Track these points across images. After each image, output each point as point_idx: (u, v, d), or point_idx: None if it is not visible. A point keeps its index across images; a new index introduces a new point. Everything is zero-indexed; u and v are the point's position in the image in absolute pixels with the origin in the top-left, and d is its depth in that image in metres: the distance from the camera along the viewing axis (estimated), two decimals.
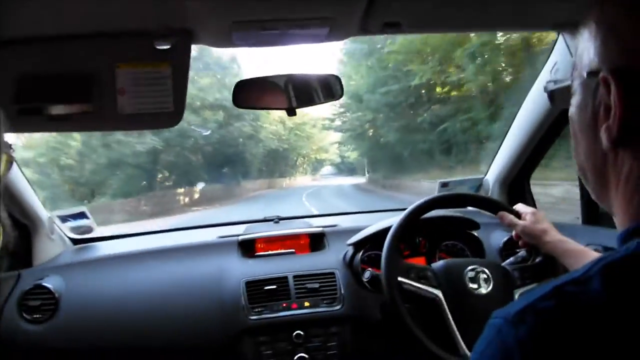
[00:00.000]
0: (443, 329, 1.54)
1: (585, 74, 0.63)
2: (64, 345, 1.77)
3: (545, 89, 0.86)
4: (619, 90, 0.57)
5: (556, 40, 1.75)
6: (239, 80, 1.60)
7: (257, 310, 1.77)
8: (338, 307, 1.79)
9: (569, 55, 1.66)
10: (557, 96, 0.83)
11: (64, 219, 2.24)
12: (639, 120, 0.56)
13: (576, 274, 0.55)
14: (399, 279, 1.59)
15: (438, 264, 1.67)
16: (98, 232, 2.40)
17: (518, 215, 1.61)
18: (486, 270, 1.62)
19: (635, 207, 0.60)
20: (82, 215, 2.30)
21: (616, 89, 0.57)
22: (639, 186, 0.59)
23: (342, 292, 1.82)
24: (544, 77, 1.86)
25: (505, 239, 2.01)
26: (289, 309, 1.78)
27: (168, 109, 1.39)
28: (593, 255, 1.36)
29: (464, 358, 1.48)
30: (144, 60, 1.37)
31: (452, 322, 1.53)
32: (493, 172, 2.38)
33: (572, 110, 0.68)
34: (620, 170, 0.60)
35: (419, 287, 1.59)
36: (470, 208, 2.13)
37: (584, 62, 0.64)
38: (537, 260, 1.66)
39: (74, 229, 2.29)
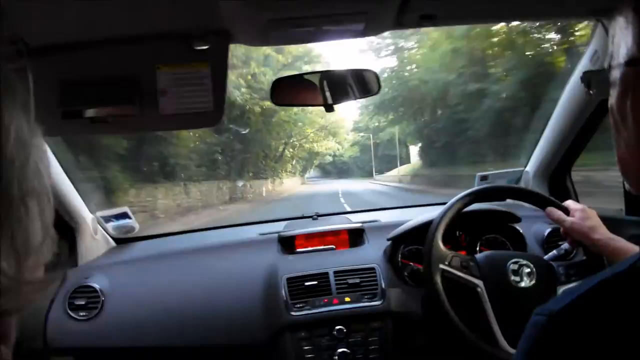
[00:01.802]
0: (483, 320, 1.53)
1: (624, 63, 0.62)
2: (109, 343, 1.82)
3: (582, 78, 0.84)
4: None
5: (595, 28, 1.71)
6: (276, 78, 1.63)
7: (298, 306, 1.78)
8: (379, 302, 1.79)
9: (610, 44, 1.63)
10: (595, 86, 0.81)
11: (107, 219, 2.30)
12: None
13: (620, 269, 0.54)
14: (441, 266, 1.58)
15: (481, 255, 1.66)
16: (140, 231, 2.45)
17: (567, 211, 1.58)
18: (530, 264, 1.60)
19: None
20: (124, 215, 2.35)
21: None
22: None
23: (383, 287, 1.82)
24: (584, 66, 1.82)
25: (548, 231, 1.98)
26: (330, 304, 1.78)
27: (208, 108, 1.41)
28: None
29: (502, 350, 1.47)
30: (183, 61, 1.39)
31: (492, 314, 1.52)
32: (533, 164, 2.34)
33: (612, 100, 0.66)
34: None
35: (461, 276, 1.59)
36: (509, 201, 2.10)
37: (622, 51, 0.62)
38: (583, 257, 1.64)
39: (117, 229, 2.34)
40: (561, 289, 1.58)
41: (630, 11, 0.60)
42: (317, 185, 51.22)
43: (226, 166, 22.60)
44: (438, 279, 1.57)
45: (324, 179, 79.71)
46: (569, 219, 1.54)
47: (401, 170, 49.70)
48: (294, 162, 43.64)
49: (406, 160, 60.92)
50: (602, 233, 1.46)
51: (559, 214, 1.57)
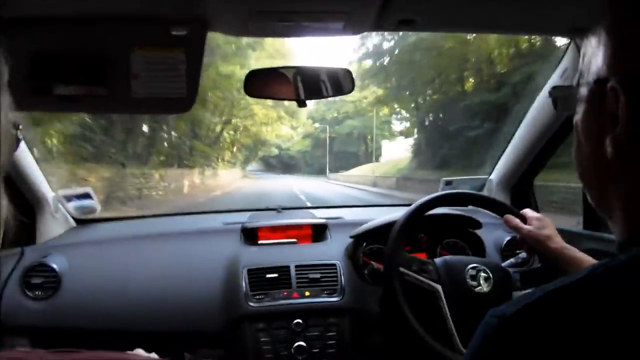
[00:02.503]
0: (440, 324, 1.55)
1: (592, 82, 0.63)
2: (64, 324, 1.79)
3: (550, 94, 0.86)
4: (628, 100, 0.57)
5: (568, 45, 1.75)
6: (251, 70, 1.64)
7: (257, 297, 1.79)
8: (338, 299, 1.81)
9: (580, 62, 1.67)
10: (561, 102, 0.82)
11: (69, 198, 2.26)
12: None
13: (573, 279, 0.56)
14: (401, 269, 1.61)
15: (440, 259, 1.69)
16: (101, 213, 2.42)
17: (524, 219, 1.62)
18: (487, 270, 1.64)
19: (636, 217, 0.60)
20: (86, 195, 2.32)
21: (625, 99, 0.57)
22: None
23: (343, 283, 1.84)
24: (554, 81, 1.87)
25: (507, 239, 2.03)
26: (289, 297, 1.79)
27: (181, 94, 1.40)
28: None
29: (458, 353, 1.50)
30: (159, 46, 1.38)
31: (450, 317, 1.55)
32: (497, 173, 2.38)
33: (578, 117, 0.68)
34: (623, 180, 0.60)
35: (419, 279, 1.61)
36: (472, 207, 2.14)
37: (592, 69, 0.64)
38: (538, 265, 1.68)
39: (78, 209, 2.30)
40: (516, 295, 1.61)
41: (602, 32, 0.62)
42: (262, 180, 46.71)
43: (118, 146, 16.02)
44: (397, 282, 1.59)
45: (268, 173, 73.89)
46: (525, 227, 1.57)
47: (363, 169, 46.12)
48: (234, 149, 36.79)
49: (366, 159, 56.97)
50: (557, 242, 1.49)
51: (516, 221, 1.60)
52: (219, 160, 32.15)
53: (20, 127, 0.73)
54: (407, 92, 31.89)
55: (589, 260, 1.39)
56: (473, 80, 25.55)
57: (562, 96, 0.81)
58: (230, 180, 34.96)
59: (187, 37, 1.37)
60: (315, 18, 1.33)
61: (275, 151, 60.45)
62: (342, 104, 63.35)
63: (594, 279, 0.55)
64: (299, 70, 1.62)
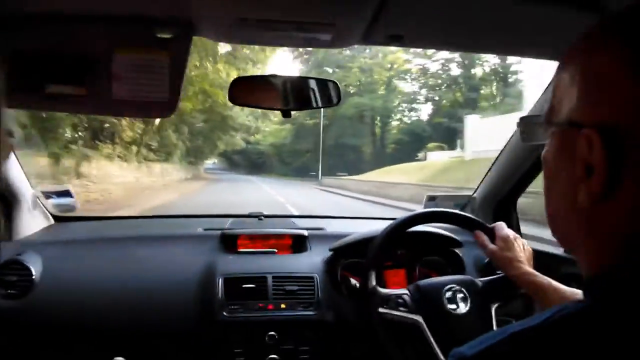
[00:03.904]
0: (430, 354, 1.54)
1: (565, 123, 0.61)
2: (37, 323, 1.76)
3: (518, 124, 0.84)
4: (606, 153, 0.54)
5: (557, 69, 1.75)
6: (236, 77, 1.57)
7: (232, 307, 1.77)
8: (314, 312, 1.79)
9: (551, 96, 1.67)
10: (528, 133, 0.80)
11: (48, 195, 2.23)
12: (621, 180, 0.54)
13: (535, 321, 0.56)
14: (381, 310, 1.59)
15: (415, 285, 1.67)
16: (80, 212, 2.38)
17: (493, 236, 1.61)
18: (462, 289, 1.63)
19: (602, 257, 0.59)
20: (66, 193, 2.29)
21: (601, 151, 0.55)
22: (610, 238, 0.58)
23: (320, 297, 1.83)
24: (540, 104, 1.87)
25: (488, 259, 2.02)
26: (265, 309, 1.77)
27: (163, 98, 1.38)
28: (560, 289, 1.35)
29: None
30: (143, 47, 1.36)
31: (435, 346, 1.53)
32: (481, 190, 2.38)
33: (547, 154, 0.66)
34: (594, 224, 0.59)
35: (399, 316, 1.59)
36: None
37: (564, 107, 0.61)
38: (499, 275, 1.68)
39: (57, 207, 2.27)
40: (493, 307, 1.61)
41: (577, 68, 0.60)
42: (222, 184, 34.44)
43: None
44: (381, 326, 1.58)
45: (230, 173, 59.23)
46: (490, 246, 1.56)
47: (391, 172, 31.04)
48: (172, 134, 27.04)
49: (379, 158, 43.36)
50: (518, 267, 1.46)
51: (483, 239, 1.59)
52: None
53: (12, 132, 0.70)
54: None
55: (551, 285, 1.37)
56: None
57: (530, 128, 0.79)
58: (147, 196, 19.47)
59: (172, 40, 1.35)
60: (303, 29, 1.32)
61: (241, 144, 43.78)
62: (345, 73, 46.45)
63: (549, 325, 0.55)
64: (287, 79, 1.61)
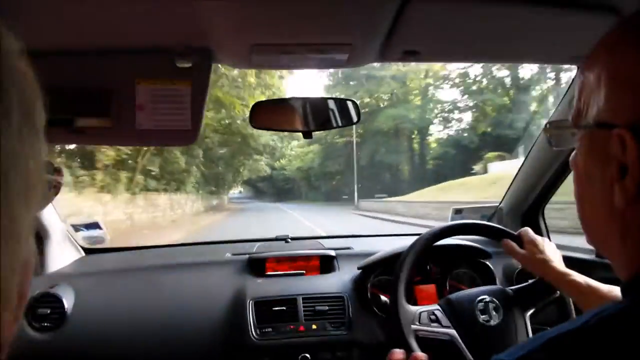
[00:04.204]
0: None
1: (594, 125, 0.60)
2: (69, 356, 1.78)
3: (545, 130, 0.83)
4: (638, 150, 0.54)
5: (576, 74, 1.74)
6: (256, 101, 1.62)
7: (264, 330, 1.76)
8: (346, 332, 1.78)
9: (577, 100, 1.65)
10: (556, 139, 0.79)
11: (77, 228, 2.27)
12: None
13: (573, 325, 0.55)
14: (413, 327, 1.57)
15: (446, 299, 1.65)
16: (110, 243, 2.42)
17: (520, 242, 1.59)
18: (494, 300, 1.61)
19: (639, 258, 0.58)
20: (95, 225, 2.33)
21: (635, 149, 0.54)
22: None
23: (350, 316, 1.81)
24: (562, 110, 1.86)
25: (520, 267, 2.00)
26: (296, 331, 1.77)
27: (185, 126, 1.40)
28: (597, 288, 1.33)
29: None
30: (164, 77, 1.39)
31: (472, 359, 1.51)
32: (507, 200, 2.37)
33: (577, 158, 0.66)
34: (630, 224, 0.58)
35: (433, 332, 1.57)
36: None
37: (592, 110, 0.61)
38: (531, 281, 1.66)
39: (87, 239, 2.31)
40: (527, 314, 1.60)
41: (603, 70, 0.59)
42: (247, 214, 31.07)
43: None
44: (414, 342, 1.55)
45: (255, 201, 57.57)
46: (520, 251, 1.54)
47: (458, 188, 26.37)
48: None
49: (420, 176, 39.54)
50: (553, 267, 1.45)
51: (512, 246, 1.57)
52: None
53: (61, 171, 0.71)
54: None
55: (588, 284, 1.35)
56: None
57: (557, 134, 0.79)
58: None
59: (191, 68, 1.38)
60: (319, 50, 1.34)
61: (266, 170, 39.90)
62: (376, 84, 42.70)
63: (588, 329, 0.54)
64: (306, 101, 1.62)
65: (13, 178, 0.36)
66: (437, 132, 45.75)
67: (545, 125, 0.81)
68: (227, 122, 26.08)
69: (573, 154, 0.66)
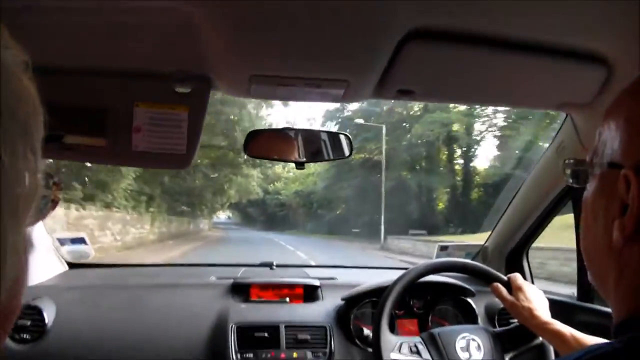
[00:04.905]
0: None
1: (606, 164, 0.64)
2: None
3: (563, 167, 0.86)
4: (639, 187, 0.58)
5: (564, 120, 1.78)
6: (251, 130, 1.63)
7: (245, 356, 1.76)
8: None
9: (576, 136, 1.69)
10: (573, 175, 0.82)
11: (63, 241, 2.26)
12: None
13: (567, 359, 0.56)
14: (392, 356, 1.58)
15: (427, 333, 1.67)
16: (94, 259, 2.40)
17: (509, 287, 1.61)
18: (476, 338, 1.63)
19: (633, 299, 0.61)
20: (81, 240, 2.32)
21: (636, 188, 0.58)
22: None
23: (332, 346, 1.82)
24: (550, 155, 1.89)
25: (501, 307, 2.01)
26: (277, 358, 1.77)
27: (181, 150, 1.42)
28: (581, 339, 1.35)
29: None
30: (162, 101, 1.41)
31: None
32: (493, 239, 2.39)
33: (587, 195, 0.69)
34: (626, 263, 0.61)
35: None
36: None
37: (606, 151, 0.65)
38: (515, 324, 1.68)
39: (72, 253, 2.30)
40: (508, 356, 1.61)
41: (621, 119, 0.63)
42: (227, 247, 24.72)
43: None
44: None
45: (242, 229, 48.73)
46: (509, 298, 1.56)
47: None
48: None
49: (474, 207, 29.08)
50: (538, 317, 1.47)
51: (501, 291, 1.59)
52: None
53: (60, 185, 0.70)
54: None
55: (573, 335, 1.37)
56: None
57: (574, 170, 0.82)
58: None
59: (190, 94, 1.40)
60: (316, 84, 1.36)
61: (258, 193, 34.10)
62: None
63: None
64: (299, 132, 1.65)
65: (4, 193, 0.36)
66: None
67: (564, 163, 0.85)
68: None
69: (585, 191, 0.70)
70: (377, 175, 31.27)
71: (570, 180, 0.83)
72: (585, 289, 2.02)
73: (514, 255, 2.34)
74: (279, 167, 34.54)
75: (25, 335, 1.78)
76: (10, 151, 0.37)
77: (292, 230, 44.32)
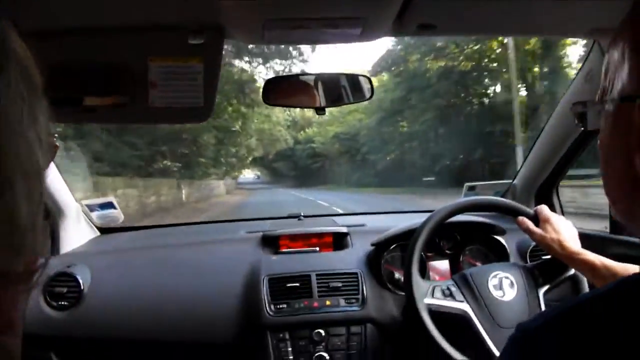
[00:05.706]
0: (479, 343, 1.53)
1: (619, 99, 0.60)
2: (86, 334, 1.80)
3: (572, 109, 0.82)
4: None
5: (591, 47, 1.72)
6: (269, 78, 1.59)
7: (278, 307, 1.78)
8: (359, 308, 1.79)
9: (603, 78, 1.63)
10: (584, 118, 0.78)
11: (92, 207, 2.28)
12: None
13: (598, 292, 0.56)
14: (426, 301, 1.58)
15: (460, 274, 1.67)
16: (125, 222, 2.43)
17: (536, 220, 1.58)
18: (509, 275, 1.62)
19: None
20: (109, 204, 2.34)
21: None
22: None
23: (364, 292, 1.82)
24: (578, 84, 1.83)
25: (533, 244, 1.99)
26: (310, 307, 1.78)
27: (199, 103, 1.40)
28: (612, 267, 1.34)
29: None
30: (176, 55, 1.38)
31: (485, 334, 1.52)
32: (521, 177, 2.35)
33: (602, 136, 0.65)
34: None
35: (447, 306, 1.59)
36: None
37: (616, 85, 0.61)
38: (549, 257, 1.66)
39: (101, 218, 2.32)
40: (541, 291, 1.62)
41: (626, 46, 0.59)
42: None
43: None
44: (426, 316, 1.57)
45: (272, 186, 42.12)
46: (537, 231, 1.55)
47: None
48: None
49: None
50: (567, 247, 1.46)
51: (528, 225, 1.58)
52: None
53: (56, 135, 0.72)
54: None
55: (603, 263, 1.36)
56: None
57: (584, 112, 0.78)
58: None
59: (204, 45, 1.37)
60: (332, 25, 1.32)
61: (288, 141, 27.89)
62: None
63: (611, 293, 0.56)
64: (318, 77, 1.62)
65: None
66: None
67: (572, 106, 0.81)
68: None
69: (600, 133, 0.66)
70: (463, 95, 21.52)
71: (581, 125, 0.78)
72: (617, 222, 1.98)
73: (544, 191, 2.30)
74: (308, 110, 29.57)
75: (63, 302, 1.81)
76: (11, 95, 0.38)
77: (331, 185, 35.62)
